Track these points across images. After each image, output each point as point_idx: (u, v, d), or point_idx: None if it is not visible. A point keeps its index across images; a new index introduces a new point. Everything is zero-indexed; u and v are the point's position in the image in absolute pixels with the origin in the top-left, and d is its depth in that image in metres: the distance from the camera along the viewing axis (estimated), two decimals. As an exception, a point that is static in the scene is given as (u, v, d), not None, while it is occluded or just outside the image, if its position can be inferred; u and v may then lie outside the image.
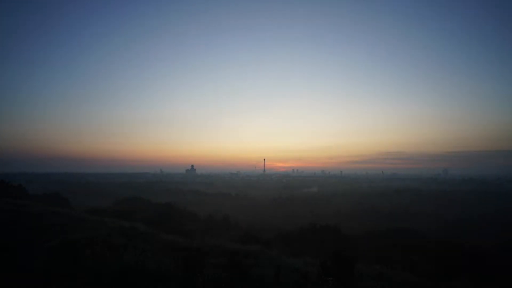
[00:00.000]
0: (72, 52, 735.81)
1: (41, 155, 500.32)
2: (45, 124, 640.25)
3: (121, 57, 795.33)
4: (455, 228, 59.78)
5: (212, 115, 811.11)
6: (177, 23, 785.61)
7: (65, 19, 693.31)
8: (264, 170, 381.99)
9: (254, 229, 38.47)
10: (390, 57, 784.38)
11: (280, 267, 7.64)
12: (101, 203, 43.68)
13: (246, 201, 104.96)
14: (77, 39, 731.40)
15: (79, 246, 9.58)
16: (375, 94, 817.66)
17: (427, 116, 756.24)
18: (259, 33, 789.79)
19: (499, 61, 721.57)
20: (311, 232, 32.51)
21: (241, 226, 39.49)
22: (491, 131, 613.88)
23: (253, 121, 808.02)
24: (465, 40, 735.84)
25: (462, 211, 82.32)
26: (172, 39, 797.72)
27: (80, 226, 14.54)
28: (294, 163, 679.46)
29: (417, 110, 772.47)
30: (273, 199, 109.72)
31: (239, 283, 5.84)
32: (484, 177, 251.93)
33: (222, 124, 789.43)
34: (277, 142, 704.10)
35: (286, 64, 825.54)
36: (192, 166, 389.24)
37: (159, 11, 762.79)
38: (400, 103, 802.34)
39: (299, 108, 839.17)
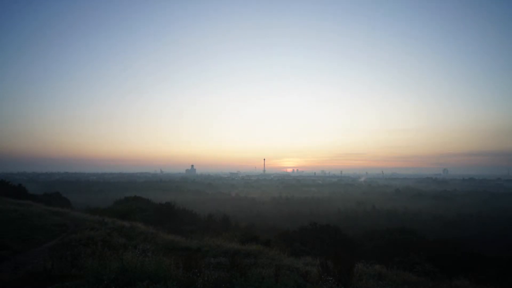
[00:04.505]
0: (73, 52, 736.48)
1: (41, 155, 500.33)
2: (45, 124, 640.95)
3: (122, 58, 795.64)
4: (455, 228, 59.78)
5: (212, 115, 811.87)
6: (178, 23, 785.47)
7: (64, 20, 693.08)
8: (264, 170, 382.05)
9: (254, 229, 38.42)
10: (382, 59, 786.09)
11: (280, 267, 7.63)
12: (101, 203, 43.62)
13: (246, 201, 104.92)
14: (79, 39, 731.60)
15: (79, 246, 9.59)
16: (367, 96, 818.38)
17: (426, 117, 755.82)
18: (259, 33, 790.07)
19: (498, 61, 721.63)
20: (311, 232, 32.49)
21: (241, 226, 39.42)
22: (488, 132, 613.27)
23: (253, 121, 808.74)
24: (461, 39, 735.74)
25: (462, 211, 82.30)
26: (172, 39, 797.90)
27: (80, 226, 14.52)
28: (294, 163, 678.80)
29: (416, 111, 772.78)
30: (273, 199, 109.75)
31: (239, 283, 5.84)
32: (484, 177, 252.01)
33: (222, 124, 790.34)
34: (277, 142, 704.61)
35: (286, 64, 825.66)
36: (192, 166, 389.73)
37: (160, 11, 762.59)
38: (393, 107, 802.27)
39: (298, 108, 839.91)
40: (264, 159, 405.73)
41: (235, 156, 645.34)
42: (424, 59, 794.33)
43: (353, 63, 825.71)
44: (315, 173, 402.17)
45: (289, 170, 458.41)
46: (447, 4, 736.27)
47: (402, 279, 9.22)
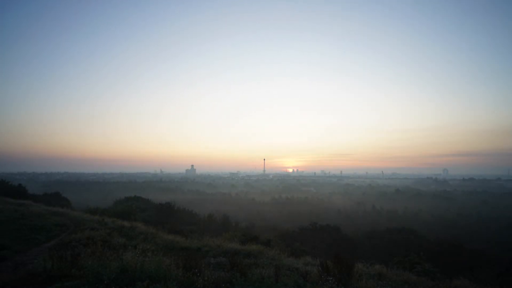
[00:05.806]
0: (74, 52, 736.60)
1: (41, 155, 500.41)
2: (45, 124, 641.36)
3: (124, 58, 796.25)
4: (455, 228, 59.76)
5: (212, 115, 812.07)
6: (179, 23, 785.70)
7: (62, 21, 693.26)
8: (264, 170, 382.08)
9: (254, 229, 38.45)
10: (383, 59, 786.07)
11: (280, 267, 7.63)
12: (101, 203, 43.59)
13: (246, 201, 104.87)
14: (78, 39, 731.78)
15: (79, 246, 9.59)
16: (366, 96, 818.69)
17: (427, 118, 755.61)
18: (259, 34, 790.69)
19: (499, 61, 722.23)
20: (311, 232, 32.51)
21: (241, 226, 39.43)
22: (489, 132, 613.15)
23: (253, 121, 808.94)
24: (460, 39, 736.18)
25: (462, 211, 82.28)
26: (172, 41, 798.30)
27: (80, 226, 14.52)
28: (294, 163, 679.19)
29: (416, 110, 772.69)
30: (273, 199, 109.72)
31: (239, 283, 5.84)
32: (484, 177, 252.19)
33: (222, 124, 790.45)
34: (277, 142, 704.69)
35: (286, 65, 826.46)
36: (192, 166, 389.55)
37: (160, 11, 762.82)
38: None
39: (299, 108, 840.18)
40: (264, 159, 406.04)
41: (235, 156, 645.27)
42: (425, 60, 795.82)
43: (354, 63, 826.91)
44: (315, 173, 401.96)
45: (289, 170, 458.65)
46: (446, 5, 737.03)
47: (402, 279, 9.21)
